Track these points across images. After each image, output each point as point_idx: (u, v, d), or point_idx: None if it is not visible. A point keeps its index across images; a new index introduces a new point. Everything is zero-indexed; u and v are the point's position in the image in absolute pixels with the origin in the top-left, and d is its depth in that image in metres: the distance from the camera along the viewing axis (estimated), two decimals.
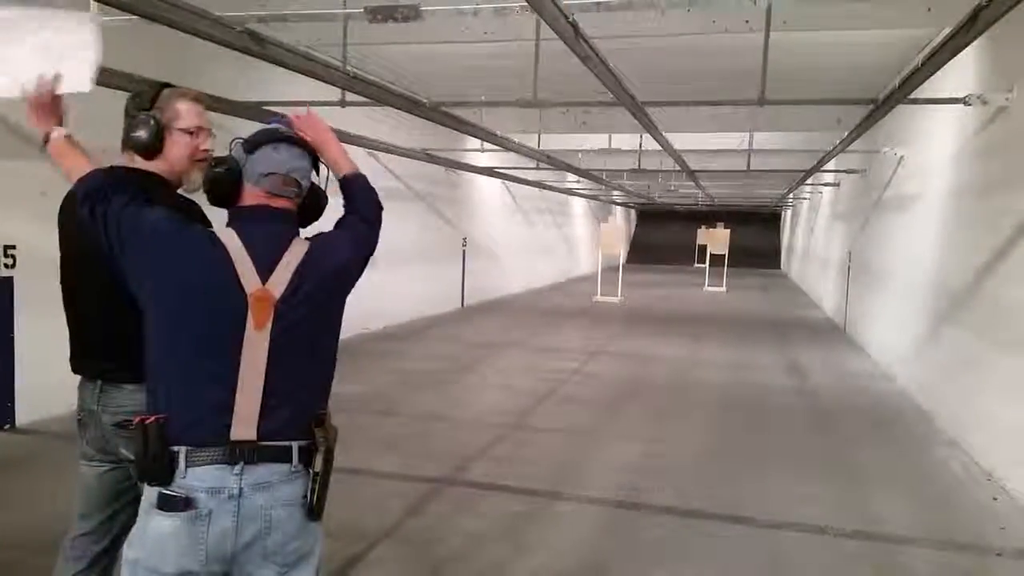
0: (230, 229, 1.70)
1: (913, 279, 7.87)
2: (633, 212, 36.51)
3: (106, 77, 4.85)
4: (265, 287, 1.64)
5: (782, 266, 30.80)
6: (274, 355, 1.64)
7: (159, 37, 4.87)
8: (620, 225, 20.52)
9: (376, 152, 9.92)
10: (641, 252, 33.82)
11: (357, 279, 1.84)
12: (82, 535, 2.19)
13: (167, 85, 2.13)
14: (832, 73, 8.65)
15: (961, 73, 6.26)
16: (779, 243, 33.07)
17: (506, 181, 15.98)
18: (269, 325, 1.63)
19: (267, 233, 1.71)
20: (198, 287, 1.63)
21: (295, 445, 1.66)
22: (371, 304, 10.39)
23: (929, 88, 6.01)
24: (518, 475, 4.78)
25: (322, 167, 1.89)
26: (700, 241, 22.20)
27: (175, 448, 1.59)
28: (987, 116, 5.84)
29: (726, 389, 7.70)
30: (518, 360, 9.00)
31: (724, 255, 20.38)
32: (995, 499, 4.58)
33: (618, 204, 30.15)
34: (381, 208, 1.95)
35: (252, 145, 1.75)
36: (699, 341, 10.97)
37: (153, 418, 1.61)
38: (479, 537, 3.81)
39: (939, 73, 5.20)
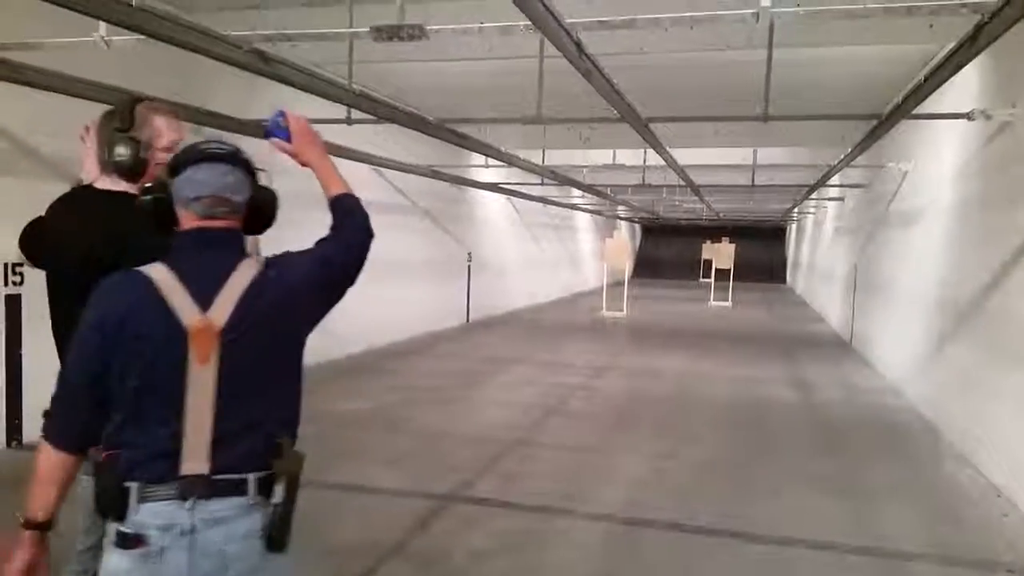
0: (160, 264, 1.62)
1: (919, 293, 7.85)
2: (638, 227, 36.54)
3: (102, 93, 4.90)
4: (205, 317, 1.56)
5: (787, 280, 30.75)
6: (223, 388, 1.57)
7: (167, 56, 4.92)
8: (625, 240, 20.55)
9: (381, 168, 9.98)
10: (646, 267, 33.83)
11: (321, 302, 1.73)
12: (84, 550, 2.19)
13: (137, 99, 2.09)
14: (835, 89, 8.68)
15: (965, 88, 6.28)
16: (784, 257, 33.04)
17: (511, 197, 16.03)
18: (214, 358, 1.56)
19: (205, 260, 1.63)
20: (134, 328, 1.57)
21: (252, 477, 1.59)
22: (376, 320, 10.41)
23: (933, 103, 6.03)
24: (524, 491, 4.77)
25: (261, 173, 1.77)
26: (705, 256, 22.19)
27: (127, 484, 1.55)
28: (991, 131, 5.84)
29: (733, 404, 7.67)
30: (523, 375, 8.98)
31: (729, 270, 20.37)
32: (1005, 516, 4.55)
33: (623, 219, 30.19)
34: (368, 233, 1.83)
35: (172, 169, 1.66)
36: (705, 356, 10.94)
37: (105, 454, 1.57)
38: (485, 554, 3.79)
39: (943, 88, 5.21)
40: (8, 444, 5.21)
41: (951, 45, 4.57)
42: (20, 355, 5.19)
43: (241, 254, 1.67)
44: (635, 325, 14.92)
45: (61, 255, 2.10)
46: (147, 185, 1.70)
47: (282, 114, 1.84)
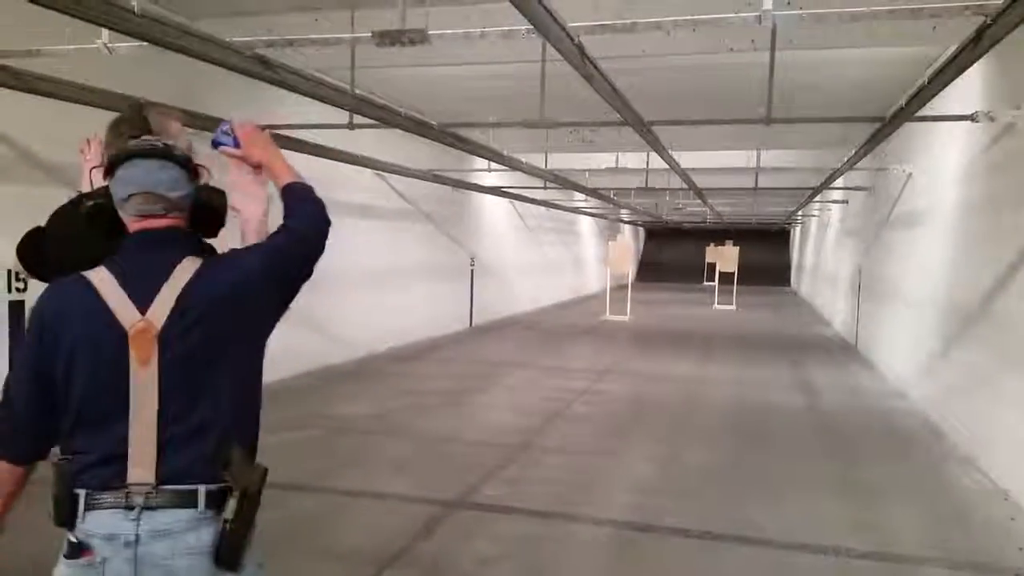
0: (100, 267, 1.59)
1: (924, 296, 7.83)
2: (641, 230, 36.53)
3: (106, 100, 4.92)
4: (145, 319, 1.53)
5: (792, 283, 30.69)
6: (166, 390, 1.52)
7: (171, 63, 4.93)
8: (628, 243, 20.55)
9: (384, 173, 9.98)
10: (650, 270, 33.79)
11: (272, 298, 1.66)
12: None
13: (142, 106, 2.10)
14: (839, 91, 8.67)
15: (969, 90, 6.26)
16: (788, 260, 32.99)
17: (514, 200, 16.04)
18: (155, 359, 1.52)
19: (146, 261, 1.59)
20: (73, 332, 1.54)
21: (202, 488, 1.52)
22: (379, 324, 10.41)
23: (936, 105, 6.02)
24: (528, 496, 4.75)
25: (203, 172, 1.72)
26: (709, 259, 22.17)
27: (76, 491, 1.52)
28: (995, 133, 5.83)
29: (738, 408, 7.65)
30: (527, 380, 8.97)
31: (733, 273, 20.34)
32: (1012, 519, 4.52)
33: (626, 222, 30.19)
34: (322, 221, 1.74)
35: (108, 169, 1.61)
36: (710, 360, 10.92)
37: (56, 461, 1.55)
38: (490, 559, 3.78)
39: (946, 90, 5.20)
40: None
41: (954, 47, 4.55)
42: None
43: (185, 253, 1.61)
44: (639, 329, 14.90)
45: (67, 264, 2.08)
46: (88, 191, 1.68)
47: (228, 123, 1.81)
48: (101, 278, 1.57)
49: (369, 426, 6.44)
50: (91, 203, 1.65)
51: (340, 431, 6.23)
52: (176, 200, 1.62)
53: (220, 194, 1.71)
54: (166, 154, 1.61)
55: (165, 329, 1.53)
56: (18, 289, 5.13)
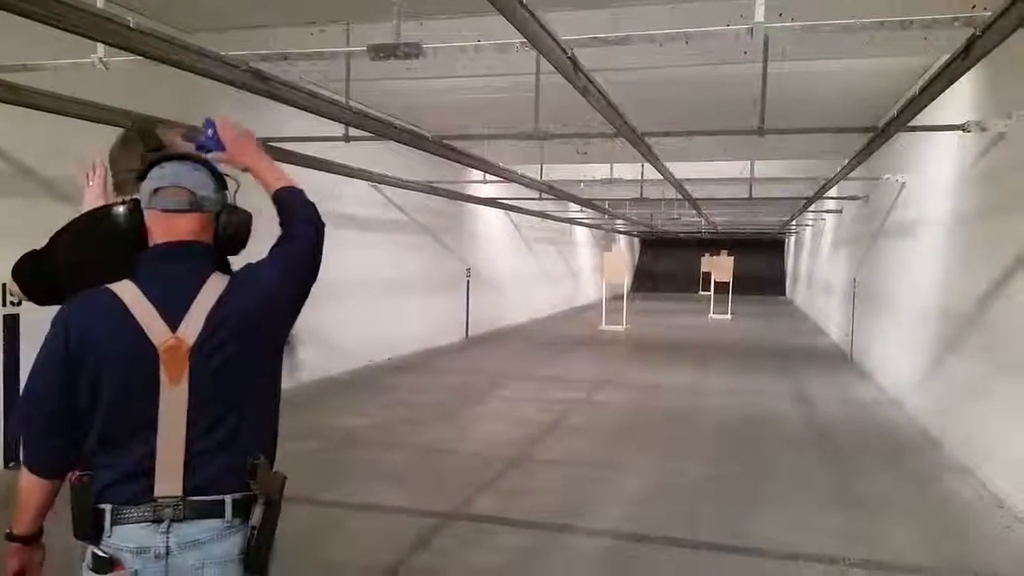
0: (128, 282, 1.59)
1: (918, 305, 7.85)
2: (636, 240, 36.59)
3: (102, 114, 4.93)
4: (176, 336, 1.54)
5: (787, 293, 30.75)
6: (196, 407, 1.54)
7: (167, 77, 4.94)
8: (624, 253, 20.57)
9: (380, 185, 10.00)
10: (645, 280, 33.85)
11: (291, 309, 1.70)
12: None
13: (151, 122, 2.07)
14: (831, 101, 8.73)
15: (961, 100, 6.31)
16: (784, 270, 33.06)
17: (509, 211, 16.06)
18: (185, 377, 1.54)
19: (173, 275, 1.60)
20: (102, 348, 1.55)
21: (228, 498, 1.56)
22: (376, 336, 10.40)
23: (928, 115, 6.05)
24: (525, 508, 4.74)
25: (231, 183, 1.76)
26: (704, 269, 22.20)
27: (101, 506, 1.53)
28: (986, 142, 5.87)
29: (734, 418, 7.64)
30: (523, 391, 8.96)
31: (729, 282, 20.38)
32: (1008, 528, 4.52)
33: (621, 233, 30.24)
34: (317, 224, 1.77)
35: (142, 174, 1.66)
36: (706, 370, 10.92)
37: (77, 476, 1.55)
38: (487, 572, 3.77)
39: (938, 100, 5.23)
40: (6, 465, 5.19)
41: (945, 57, 4.59)
42: (19, 374, 5.18)
43: (211, 270, 1.63)
44: (635, 339, 14.90)
45: (80, 285, 2.02)
46: (120, 200, 1.69)
47: (211, 125, 1.79)
48: (130, 293, 1.57)
49: (366, 438, 6.42)
50: (124, 209, 1.64)
51: (337, 443, 6.21)
52: (202, 199, 1.64)
53: (247, 216, 1.73)
54: (198, 159, 1.68)
55: (197, 346, 1.55)
56: (12, 303, 5.12)
